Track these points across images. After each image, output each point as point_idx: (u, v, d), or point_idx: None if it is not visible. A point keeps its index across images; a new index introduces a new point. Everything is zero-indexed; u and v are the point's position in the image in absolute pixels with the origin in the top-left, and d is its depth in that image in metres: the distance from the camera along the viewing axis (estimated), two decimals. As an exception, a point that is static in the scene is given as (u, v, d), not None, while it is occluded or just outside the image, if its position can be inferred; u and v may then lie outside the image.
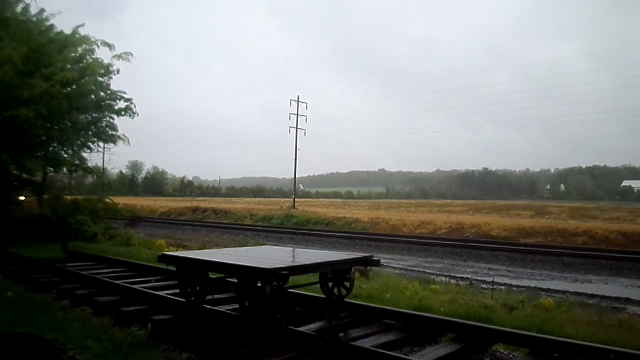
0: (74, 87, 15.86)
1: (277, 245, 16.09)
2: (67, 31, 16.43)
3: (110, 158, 52.90)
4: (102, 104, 17.21)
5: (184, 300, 6.27)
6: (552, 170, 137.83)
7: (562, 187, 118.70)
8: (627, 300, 9.97)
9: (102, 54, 16.62)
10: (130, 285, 7.78)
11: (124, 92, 17.37)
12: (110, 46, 15.97)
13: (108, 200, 19.68)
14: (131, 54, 16.20)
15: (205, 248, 13.80)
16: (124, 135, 17.83)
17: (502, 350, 5.25)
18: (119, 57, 16.13)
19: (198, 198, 72.66)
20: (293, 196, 42.77)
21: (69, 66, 15.45)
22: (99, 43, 16.11)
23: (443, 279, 11.60)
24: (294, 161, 42.00)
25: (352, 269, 6.96)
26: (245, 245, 14.76)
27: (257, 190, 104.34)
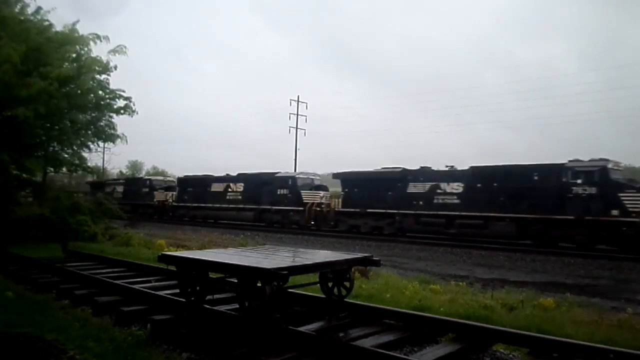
0: (72, 86, 15.86)
1: (277, 245, 16.08)
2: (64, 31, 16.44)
3: (110, 158, 53.20)
4: (102, 103, 17.21)
5: (184, 300, 6.26)
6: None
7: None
8: (628, 300, 9.95)
9: (99, 53, 16.65)
10: (130, 285, 7.77)
11: (123, 91, 17.38)
12: (101, 38, 15.94)
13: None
14: (124, 46, 16.16)
15: (205, 248, 13.77)
16: (122, 134, 17.88)
17: (502, 350, 5.25)
18: (114, 52, 16.11)
19: (198, 198, 72.37)
20: (293, 196, 42.64)
21: (66, 64, 15.45)
22: (95, 40, 16.10)
23: (443, 279, 11.58)
24: (294, 161, 42.07)
25: (352, 269, 6.96)
26: (245, 245, 14.75)
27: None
